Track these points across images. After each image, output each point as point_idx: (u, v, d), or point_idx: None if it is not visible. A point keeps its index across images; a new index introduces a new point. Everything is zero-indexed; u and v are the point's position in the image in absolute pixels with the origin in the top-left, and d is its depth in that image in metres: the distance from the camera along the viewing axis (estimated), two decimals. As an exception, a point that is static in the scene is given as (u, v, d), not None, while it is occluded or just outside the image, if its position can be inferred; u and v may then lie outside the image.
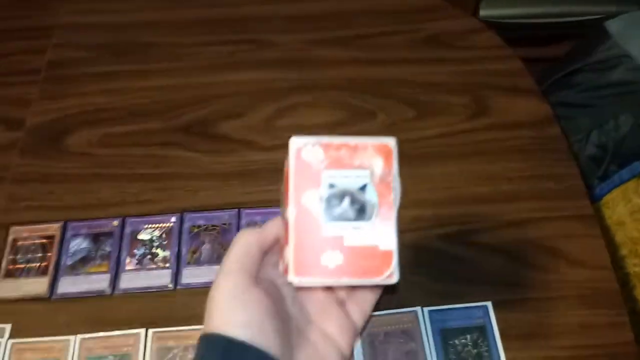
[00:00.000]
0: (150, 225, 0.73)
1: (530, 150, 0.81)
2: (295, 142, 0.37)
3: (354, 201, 0.37)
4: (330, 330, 0.41)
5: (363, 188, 0.37)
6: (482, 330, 0.65)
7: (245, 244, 0.40)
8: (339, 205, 0.37)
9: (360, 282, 0.36)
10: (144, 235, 0.72)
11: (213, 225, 0.72)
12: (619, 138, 1.00)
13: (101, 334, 0.64)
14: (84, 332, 0.64)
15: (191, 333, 0.63)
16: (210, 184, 0.77)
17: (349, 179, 0.37)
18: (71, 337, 0.63)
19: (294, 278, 0.36)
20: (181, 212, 0.74)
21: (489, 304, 0.66)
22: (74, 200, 0.76)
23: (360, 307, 0.43)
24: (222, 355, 0.36)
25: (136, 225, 0.73)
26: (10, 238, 0.71)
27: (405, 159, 0.79)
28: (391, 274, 0.36)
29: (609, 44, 1.06)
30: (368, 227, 0.36)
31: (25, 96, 0.87)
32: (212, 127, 0.84)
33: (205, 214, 0.74)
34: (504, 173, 0.79)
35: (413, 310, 0.66)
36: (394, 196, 0.37)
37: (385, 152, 0.37)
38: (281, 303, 0.41)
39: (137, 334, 0.63)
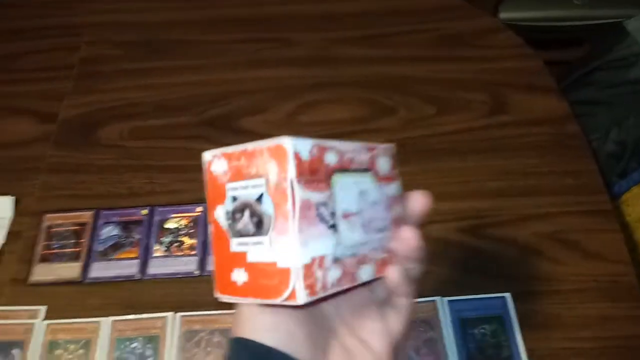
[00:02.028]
0: (177, 215, 0.74)
1: (548, 147, 0.81)
2: (206, 156, 0.34)
3: (252, 214, 0.32)
4: (365, 335, 0.37)
5: (260, 199, 0.32)
6: (501, 321, 0.65)
7: None
8: (240, 219, 0.33)
9: (263, 301, 0.32)
10: (171, 224, 0.73)
11: (238, 215, 0.73)
12: (638, 135, 0.99)
13: (131, 316, 0.65)
14: (115, 315, 0.65)
15: (217, 317, 0.64)
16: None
17: (247, 190, 0.32)
18: (102, 319, 0.65)
19: (218, 294, 0.33)
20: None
21: (507, 295, 0.66)
22: (105, 190, 0.77)
23: (398, 310, 0.37)
24: None
25: (164, 214, 0.74)
26: (44, 225, 0.73)
27: (425, 153, 0.80)
28: (291, 295, 0.30)
29: (627, 42, 1.05)
30: (267, 242, 0.31)
31: (59, 91, 0.89)
32: (236, 121, 0.85)
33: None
34: (522, 169, 0.78)
35: (433, 300, 0.66)
36: (295, 204, 0.30)
37: (278, 155, 0.31)
38: (315, 306, 0.37)
39: (165, 317, 0.64)
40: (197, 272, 0.69)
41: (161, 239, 0.72)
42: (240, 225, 0.32)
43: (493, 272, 0.69)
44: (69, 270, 0.69)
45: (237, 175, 0.33)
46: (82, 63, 0.93)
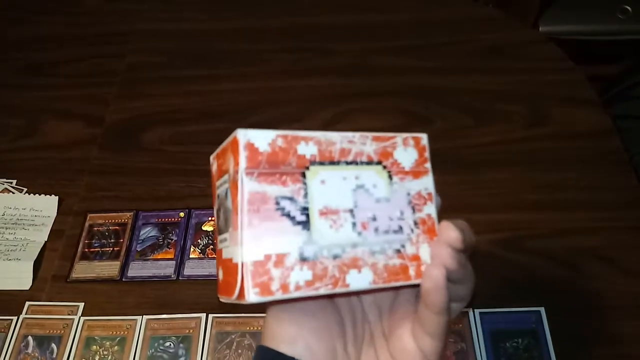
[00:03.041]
0: (213, 218, 0.74)
1: (588, 161, 0.78)
2: (210, 159, 0.34)
3: (224, 211, 0.31)
4: (395, 352, 0.35)
5: (226, 194, 0.31)
6: (534, 335, 0.63)
7: None
8: (220, 217, 0.32)
9: (227, 300, 0.30)
10: (208, 227, 0.74)
11: (273, 221, 0.73)
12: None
13: (165, 316, 0.65)
14: (150, 314, 0.66)
15: (248, 320, 0.64)
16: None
17: (222, 187, 0.32)
18: (138, 318, 0.65)
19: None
20: (243, 206, 0.75)
21: (542, 309, 0.64)
22: (145, 192, 0.78)
23: (425, 329, 0.33)
24: None
25: (201, 217, 0.75)
26: (86, 224, 0.75)
27: (461, 165, 0.79)
28: (240, 294, 0.28)
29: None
30: (228, 238, 0.30)
31: (105, 96, 0.91)
32: (274, 129, 0.85)
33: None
34: (560, 182, 0.76)
35: (464, 311, 0.65)
36: (243, 197, 0.29)
37: (234, 148, 0.30)
38: (350, 311, 0.36)
39: (199, 318, 0.65)
40: (230, 275, 0.69)
41: (197, 241, 0.73)
42: (219, 223, 0.32)
43: (527, 285, 0.67)
44: (108, 268, 0.70)
45: (219, 173, 0.32)
46: (127, 69, 0.95)
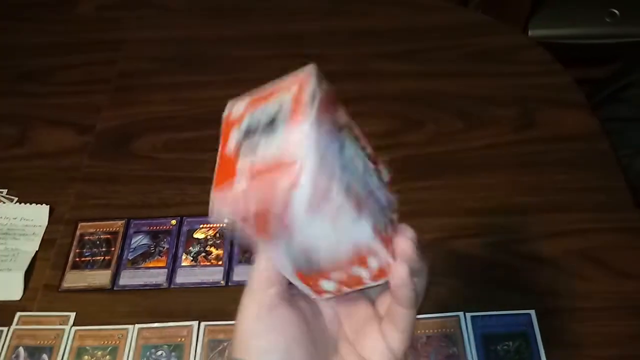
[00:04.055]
0: (205, 225, 0.74)
1: (578, 163, 0.78)
2: (228, 106, 0.34)
3: (267, 122, 0.30)
4: (366, 354, 0.35)
5: (275, 115, 0.29)
6: (525, 338, 0.62)
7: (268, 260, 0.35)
8: (254, 134, 0.30)
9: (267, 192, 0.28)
10: (199, 234, 0.73)
11: (264, 227, 0.73)
12: (670, 153, 0.95)
13: (157, 324, 0.65)
14: (142, 323, 0.65)
15: (240, 327, 0.64)
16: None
17: (264, 112, 0.31)
18: (129, 327, 0.65)
19: (215, 206, 0.31)
20: (235, 213, 0.75)
21: (532, 312, 0.64)
22: (137, 200, 0.78)
23: (397, 326, 0.34)
24: None
25: (193, 224, 0.74)
26: (78, 233, 0.74)
27: (453, 168, 0.79)
28: (293, 183, 0.27)
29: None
30: (278, 132, 0.28)
31: (96, 103, 0.90)
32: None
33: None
34: (551, 184, 0.76)
35: (456, 315, 0.64)
36: (314, 100, 0.28)
37: (302, 79, 0.30)
38: (316, 322, 0.36)
39: (191, 326, 0.64)
40: (222, 282, 0.69)
41: (189, 248, 0.72)
42: (252, 128, 0.30)
43: (518, 288, 0.67)
44: (100, 277, 0.69)
45: (254, 105, 0.31)
46: (119, 77, 0.94)
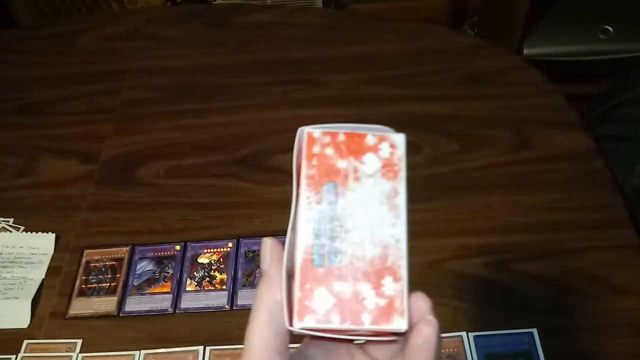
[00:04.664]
0: (209, 250, 0.75)
1: (573, 182, 0.79)
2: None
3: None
4: None
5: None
6: (528, 356, 0.63)
7: (269, 318, 0.30)
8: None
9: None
10: (203, 259, 0.74)
11: (267, 251, 0.74)
12: (665, 170, 0.97)
13: (163, 350, 0.65)
14: (148, 348, 0.65)
15: (245, 351, 0.64)
16: (265, 211, 0.79)
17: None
18: (136, 352, 0.65)
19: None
20: (237, 238, 0.76)
21: (534, 330, 0.64)
22: (141, 226, 0.78)
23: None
24: None
25: (197, 249, 0.75)
26: (83, 260, 0.74)
27: (450, 190, 0.80)
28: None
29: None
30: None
31: (101, 133, 0.92)
32: (266, 160, 0.86)
33: (260, 240, 0.75)
34: (548, 204, 0.77)
35: (458, 335, 0.65)
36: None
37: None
38: None
39: (196, 351, 0.65)
40: (227, 307, 0.69)
41: (194, 273, 0.73)
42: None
43: (519, 307, 0.67)
44: (106, 304, 0.70)
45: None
46: (122, 106, 0.96)
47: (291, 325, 0.29)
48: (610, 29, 1.51)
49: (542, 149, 0.84)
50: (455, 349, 0.64)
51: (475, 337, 0.64)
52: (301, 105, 0.93)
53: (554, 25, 1.56)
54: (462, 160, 0.83)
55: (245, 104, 0.95)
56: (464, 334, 0.64)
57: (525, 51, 1.52)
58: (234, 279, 0.72)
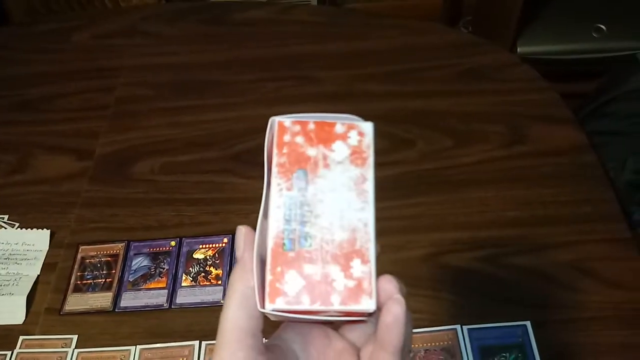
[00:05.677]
0: (204, 246, 0.75)
1: (566, 177, 0.80)
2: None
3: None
4: None
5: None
6: (522, 349, 0.63)
7: (241, 301, 0.30)
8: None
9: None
10: (199, 255, 0.74)
11: (262, 246, 0.74)
12: (655, 164, 0.97)
13: (159, 345, 0.65)
14: (143, 343, 0.65)
15: (241, 346, 0.64)
16: (259, 207, 0.79)
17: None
18: (131, 348, 0.65)
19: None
20: (232, 233, 0.76)
21: (527, 323, 0.65)
22: (136, 222, 0.78)
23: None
24: None
25: (192, 245, 0.75)
26: (79, 256, 0.74)
27: (444, 185, 0.80)
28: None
29: (640, 74, 1.04)
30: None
31: (95, 129, 0.91)
32: (261, 156, 0.85)
33: (255, 235, 0.75)
34: (540, 198, 0.77)
35: (453, 328, 0.65)
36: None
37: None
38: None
39: (192, 346, 0.65)
40: (222, 302, 0.69)
41: (189, 269, 0.73)
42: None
43: (513, 300, 0.68)
44: (101, 300, 0.70)
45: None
46: (116, 103, 0.96)
47: (263, 307, 0.29)
48: (603, 27, 1.51)
49: (536, 144, 0.84)
50: (450, 342, 0.64)
51: (469, 330, 0.65)
52: (296, 102, 0.93)
53: (547, 24, 1.57)
54: (456, 156, 0.84)
55: (240, 100, 0.95)
56: (458, 326, 0.65)
57: (519, 50, 1.52)
58: (230, 274, 0.71)
